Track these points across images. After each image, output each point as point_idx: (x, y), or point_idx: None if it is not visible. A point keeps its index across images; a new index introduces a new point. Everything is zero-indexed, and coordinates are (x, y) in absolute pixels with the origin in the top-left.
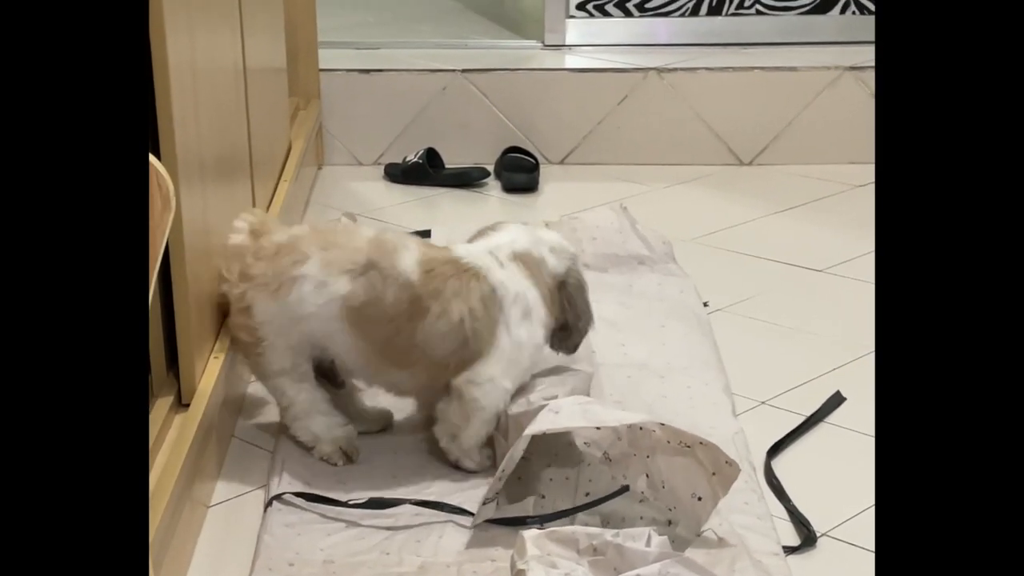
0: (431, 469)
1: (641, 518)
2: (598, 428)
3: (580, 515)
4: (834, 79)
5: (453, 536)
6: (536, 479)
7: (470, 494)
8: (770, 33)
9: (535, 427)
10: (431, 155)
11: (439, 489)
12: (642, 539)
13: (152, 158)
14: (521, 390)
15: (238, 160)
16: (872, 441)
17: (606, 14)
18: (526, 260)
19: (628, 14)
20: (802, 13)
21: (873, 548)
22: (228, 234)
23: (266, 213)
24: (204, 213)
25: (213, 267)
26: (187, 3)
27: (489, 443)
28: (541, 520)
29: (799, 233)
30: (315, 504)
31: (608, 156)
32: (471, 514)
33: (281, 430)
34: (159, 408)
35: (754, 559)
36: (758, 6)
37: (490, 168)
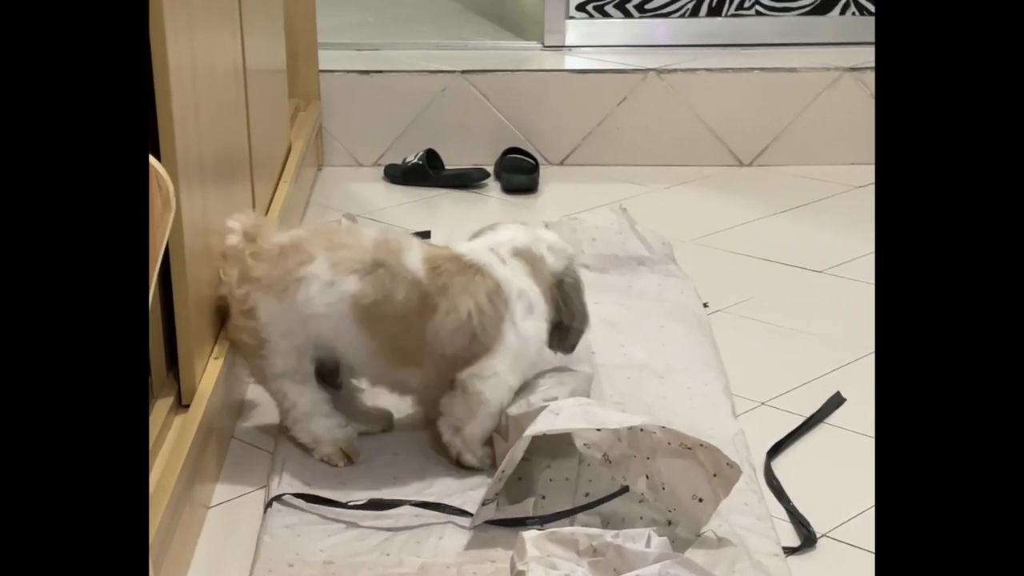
0: (431, 470)
1: (641, 518)
2: (598, 430)
3: (580, 516)
4: (834, 80)
5: (453, 537)
6: (536, 480)
7: (470, 495)
8: (770, 34)
9: (535, 428)
10: (431, 156)
11: (439, 490)
12: (642, 540)
13: (152, 159)
14: (521, 391)
15: (238, 161)
16: (872, 442)
17: (606, 15)
18: (527, 257)
19: (628, 15)
20: (802, 14)
21: (873, 549)
22: (225, 236)
23: (258, 214)
24: (204, 214)
25: (213, 268)
26: (187, 4)
27: (488, 443)
28: (541, 521)
29: (799, 234)
30: (315, 505)
31: (608, 157)
32: (471, 515)
33: (281, 431)
34: (159, 409)
35: (754, 560)
36: (758, 7)
37: (490, 169)
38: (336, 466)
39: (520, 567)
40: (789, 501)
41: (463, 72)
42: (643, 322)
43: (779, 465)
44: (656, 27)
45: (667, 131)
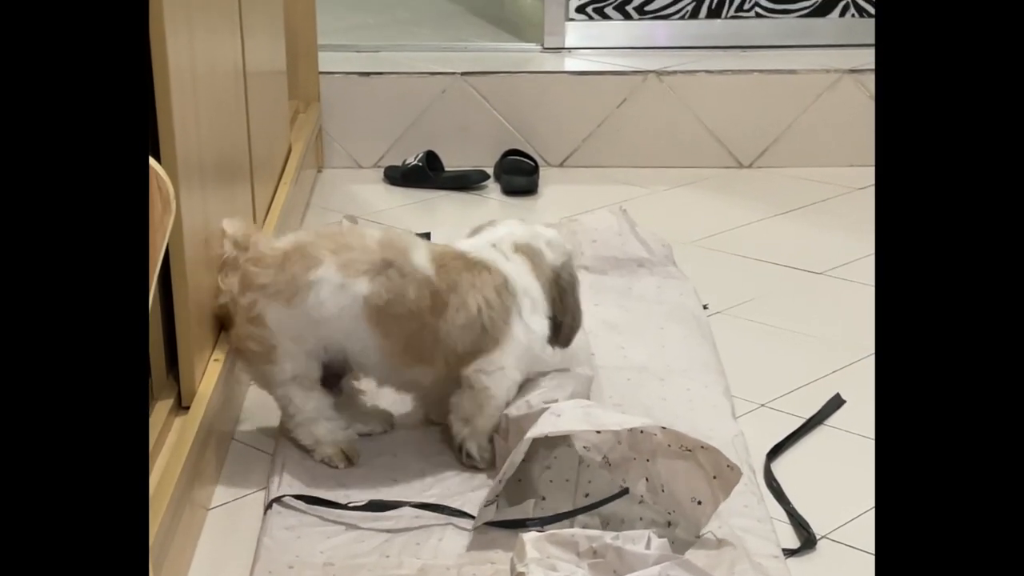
0: (431, 472)
1: (641, 520)
2: (598, 432)
3: (580, 518)
4: (833, 82)
5: (453, 538)
6: (536, 482)
7: (470, 496)
8: (769, 36)
9: (536, 430)
10: (431, 158)
11: (439, 492)
12: (642, 542)
13: (152, 161)
14: (522, 391)
15: (238, 163)
16: (872, 443)
17: (605, 17)
18: (527, 252)
19: (627, 17)
20: (801, 16)
21: (873, 550)
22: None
23: (246, 222)
24: (204, 216)
25: (213, 270)
26: (187, 6)
27: (490, 443)
28: (541, 522)
29: (799, 236)
30: (315, 507)
31: (607, 159)
32: (471, 516)
33: (281, 432)
34: (159, 411)
35: (754, 561)
36: (757, 9)
37: (490, 171)
38: (336, 467)
39: (520, 569)
40: (789, 503)
41: (463, 74)
42: (643, 324)
43: (779, 467)
44: (656, 29)
45: (667, 133)
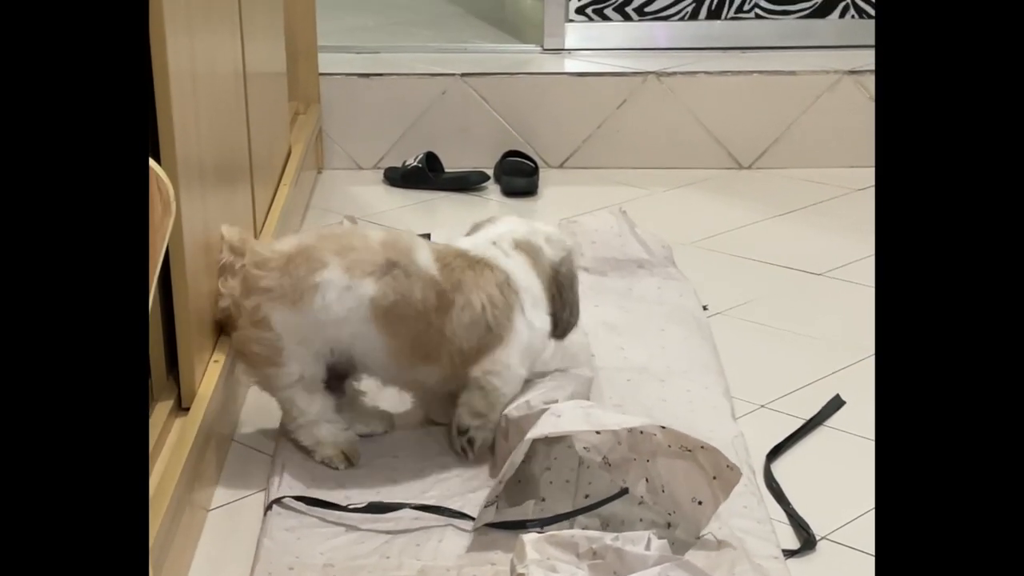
0: (431, 473)
1: (640, 521)
2: (598, 432)
3: (580, 518)
4: (833, 83)
5: (453, 540)
6: (536, 483)
7: (470, 498)
8: (769, 37)
9: (536, 431)
10: (431, 159)
11: (439, 493)
12: (642, 543)
13: (152, 162)
14: (521, 392)
15: (238, 164)
16: (872, 444)
17: (605, 18)
18: (526, 248)
19: (627, 18)
20: (801, 17)
21: (873, 551)
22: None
23: (243, 228)
24: (204, 217)
25: (213, 272)
26: (187, 7)
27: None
28: (541, 524)
29: (798, 237)
30: (315, 508)
31: (607, 160)
32: (471, 518)
33: (281, 434)
34: (159, 412)
35: (754, 563)
36: (757, 10)
37: (490, 172)
38: (336, 468)
39: (520, 570)
40: (789, 504)
41: (463, 75)
42: (643, 325)
43: (779, 468)
44: (656, 30)
45: (667, 134)
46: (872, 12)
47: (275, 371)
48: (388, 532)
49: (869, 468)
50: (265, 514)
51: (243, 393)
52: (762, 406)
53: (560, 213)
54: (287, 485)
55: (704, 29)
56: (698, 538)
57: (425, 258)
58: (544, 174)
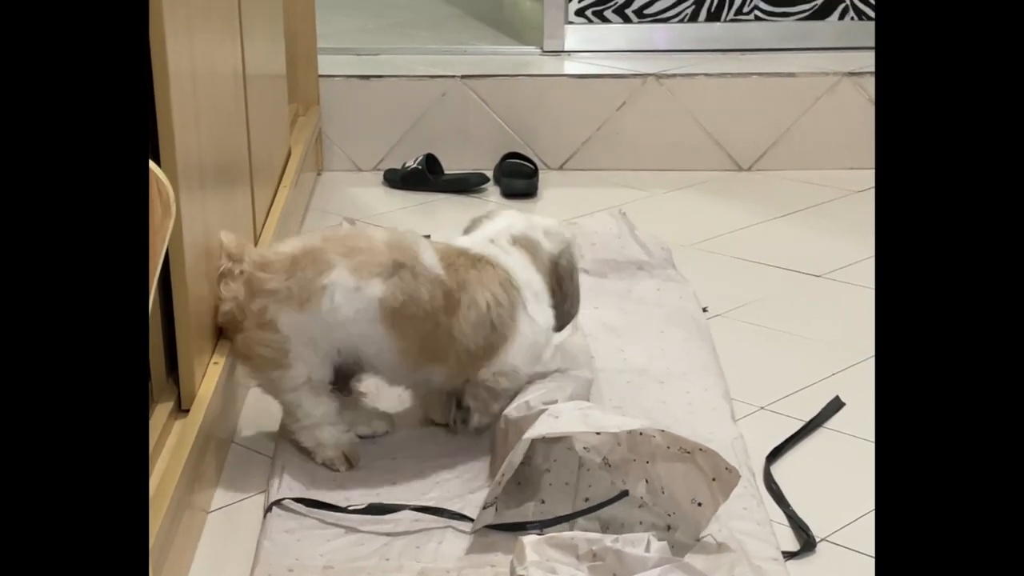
0: (430, 475)
1: (640, 523)
2: (598, 433)
3: (580, 520)
4: (833, 85)
5: (453, 542)
6: (535, 484)
7: (470, 499)
8: (769, 39)
9: (535, 431)
10: (430, 161)
11: (438, 495)
12: (641, 544)
13: (152, 164)
14: (521, 393)
15: (238, 166)
16: (871, 446)
17: (605, 20)
18: (524, 244)
19: (627, 20)
20: (801, 19)
21: (873, 553)
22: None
23: (240, 235)
24: (204, 219)
25: (213, 273)
26: (187, 9)
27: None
28: (541, 525)
29: (798, 238)
30: (314, 510)
31: (607, 162)
32: (471, 520)
33: (281, 435)
34: (159, 414)
35: (753, 564)
36: (757, 12)
37: (489, 174)
38: (337, 470)
39: (520, 571)
40: (788, 505)
41: (462, 77)
42: (643, 327)
43: (778, 469)
44: (655, 32)
45: (666, 136)
46: (872, 14)
47: (281, 373)
48: (388, 534)
49: (869, 470)
50: (265, 516)
51: (243, 395)
52: (762, 408)
53: (560, 215)
54: (287, 487)
55: (704, 31)
56: (698, 540)
57: (430, 258)
58: (544, 176)
